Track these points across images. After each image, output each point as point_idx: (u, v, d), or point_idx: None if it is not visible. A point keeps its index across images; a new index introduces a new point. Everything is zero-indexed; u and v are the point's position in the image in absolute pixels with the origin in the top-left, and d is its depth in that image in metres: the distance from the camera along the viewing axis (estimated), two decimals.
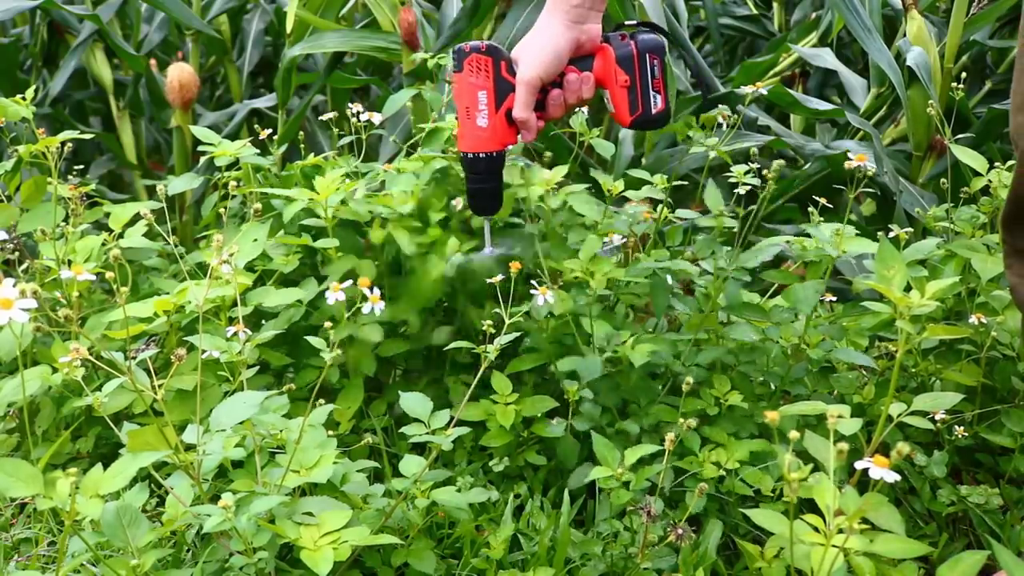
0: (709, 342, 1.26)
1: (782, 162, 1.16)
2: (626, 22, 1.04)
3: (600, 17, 1.00)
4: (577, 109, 1.14)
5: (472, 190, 1.04)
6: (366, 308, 0.99)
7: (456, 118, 1.04)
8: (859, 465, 0.73)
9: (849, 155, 1.14)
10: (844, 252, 1.14)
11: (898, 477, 0.72)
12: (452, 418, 0.97)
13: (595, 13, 0.99)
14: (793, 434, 0.72)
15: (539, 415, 1.17)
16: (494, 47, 0.99)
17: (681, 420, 1.06)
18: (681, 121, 1.29)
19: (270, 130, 1.58)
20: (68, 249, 1.30)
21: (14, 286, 0.71)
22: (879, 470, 0.72)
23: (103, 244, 1.32)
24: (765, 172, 1.18)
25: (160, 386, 0.84)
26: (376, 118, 1.42)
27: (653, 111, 1.00)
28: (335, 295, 0.98)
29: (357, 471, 1.00)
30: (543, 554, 1.01)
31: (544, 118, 1.02)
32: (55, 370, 1.15)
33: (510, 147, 1.03)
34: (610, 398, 1.19)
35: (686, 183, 1.90)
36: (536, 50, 0.97)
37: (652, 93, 1.00)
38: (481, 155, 1.01)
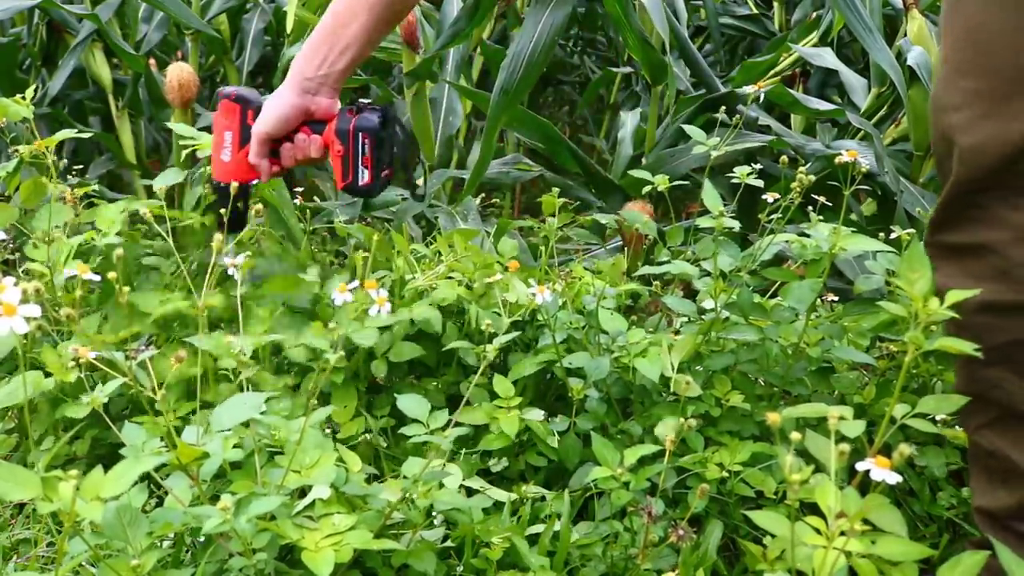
0: (711, 343, 1.26)
1: (809, 178, 1.17)
2: (361, 100, 1.15)
3: (335, 93, 1.14)
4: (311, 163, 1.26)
5: (217, 213, 1.19)
6: (372, 311, 0.99)
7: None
8: (860, 467, 0.73)
9: (842, 153, 1.14)
10: (842, 250, 1.14)
11: (900, 478, 0.72)
12: (450, 421, 0.97)
13: (327, 88, 1.13)
14: (795, 435, 0.72)
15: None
16: (243, 97, 1.15)
17: (682, 420, 1.06)
18: None
19: None
20: (59, 248, 1.30)
21: (15, 284, 0.70)
22: (881, 471, 0.71)
23: (91, 241, 1.31)
24: (793, 183, 1.18)
25: (162, 385, 0.84)
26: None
27: (360, 183, 1.13)
28: (342, 296, 0.99)
29: (356, 472, 1.00)
30: (543, 554, 1.01)
31: (278, 164, 1.17)
32: (48, 375, 1.15)
33: (253, 181, 1.20)
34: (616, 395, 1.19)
35: (687, 183, 1.90)
36: (269, 110, 1.13)
37: (360, 167, 1.12)
38: (222, 184, 1.17)
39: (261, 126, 1.13)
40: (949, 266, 0.92)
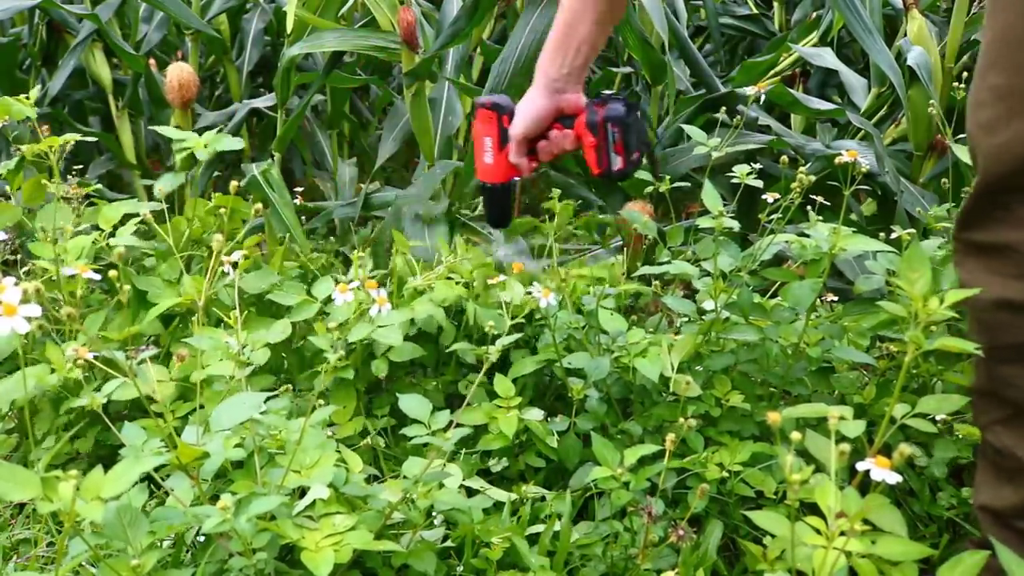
0: (711, 343, 1.26)
1: (809, 178, 1.18)
2: (604, 92, 1.22)
3: (580, 88, 1.21)
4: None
5: (487, 209, 1.31)
6: (373, 310, 0.99)
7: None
8: (861, 466, 0.73)
9: (842, 152, 1.14)
10: (842, 250, 1.14)
11: (900, 478, 0.72)
12: (451, 422, 0.97)
13: (571, 84, 1.19)
14: (795, 435, 0.72)
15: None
16: (498, 104, 1.23)
17: (682, 420, 1.06)
18: None
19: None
20: (59, 248, 1.30)
21: (16, 284, 0.70)
22: (881, 471, 0.71)
23: (93, 243, 1.31)
24: (794, 184, 1.20)
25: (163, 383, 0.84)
26: None
27: (614, 168, 1.19)
28: (343, 296, 0.98)
29: (357, 472, 1.00)
30: (543, 554, 1.01)
31: (536, 160, 1.25)
32: (52, 371, 1.15)
33: (515, 178, 1.28)
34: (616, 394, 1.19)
35: (687, 183, 1.90)
36: (523, 113, 1.21)
37: (612, 155, 1.18)
38: (487, 184, 1.27)
39: (519, 128, 1.20)
40: (973, 263, 0.93)
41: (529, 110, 1.20)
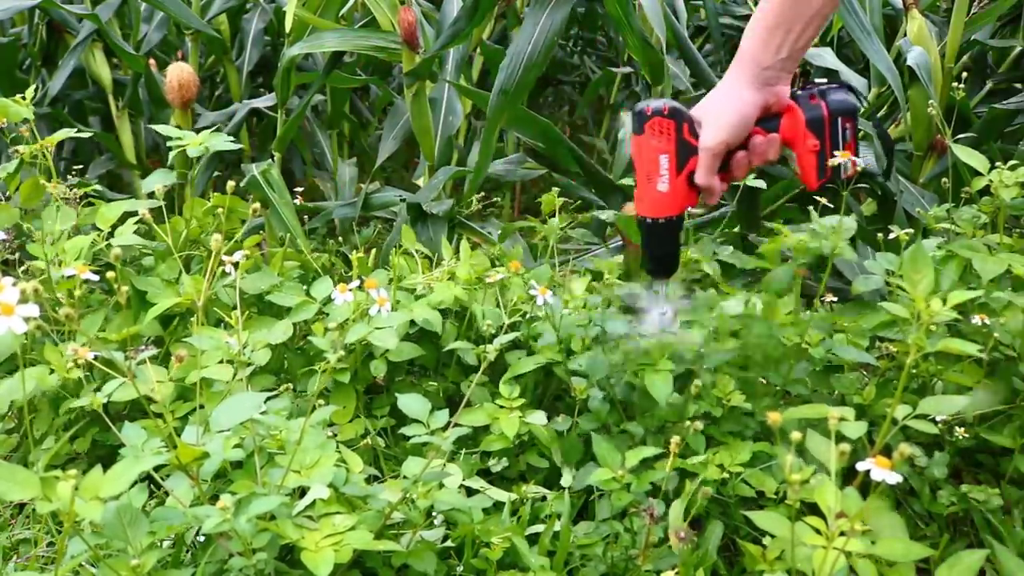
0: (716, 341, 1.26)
1: None
2: (816, 79, 1.01)
3: (790, 78, 0.96)
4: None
5: (651, 254, 1.02)
6: (373, 310, 0.99)
7: (634, 180, 1.01)
8: (861, 467, 0.73)
9: (835, 154, 1.14)
10: (839, 248, 1.14)
11: (900, 479, 0.72)
12: (450, 422, 0.97)
13: (785, 75, 0.95)
14: (796, 435, 0.72)
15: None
16: (677, 109, 0.95)
17: (688, 423, 1.06)
18: None
19: None
20: (58, 248, 1.30)
21: (14, 284, 0.70)
22: (881, 472, 0.71)
23: (92, 243, 1.31)
24: None
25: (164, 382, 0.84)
26: None
27: (842, 175, 0.96)
28: (343, 296, 0.98)
29: (357, 472, 1.00)
30: (543, 554, 1.01)
31: (727, 179, 0.98)
32: (52, 371, 1.15)
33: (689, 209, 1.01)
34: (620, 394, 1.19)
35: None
36: (722, 114, 0.94)
37: (839, 156, 0.97)
38: (660, 220, 0.98)
39: (716, 137, 0.94)
40: None
41: (733, 111, 0.94)
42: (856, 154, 0.96)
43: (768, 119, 0.97)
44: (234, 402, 0.89)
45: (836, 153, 0.96)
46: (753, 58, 0.94)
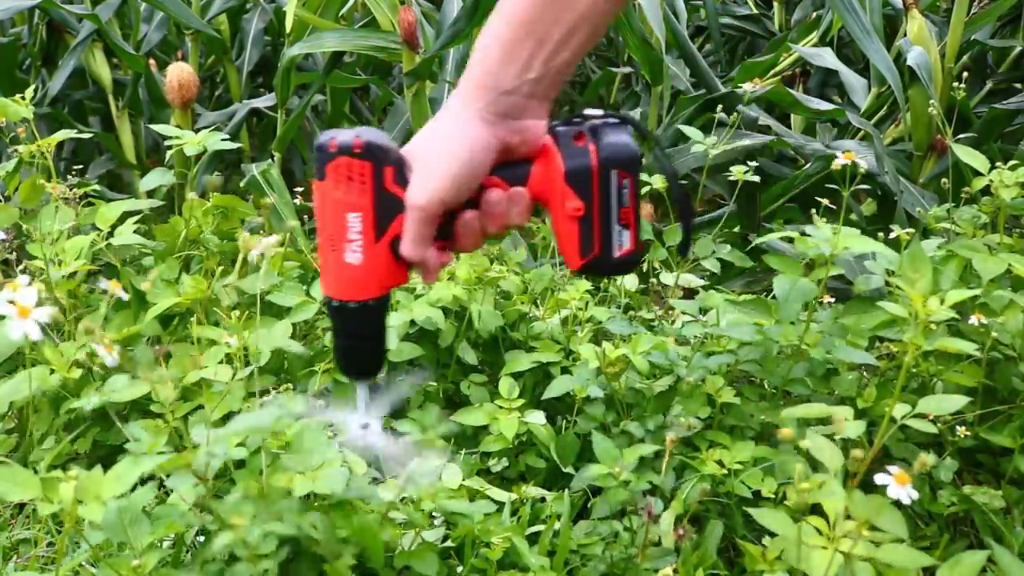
0: (711, 343, 1.26)
1: None
2: (587, 110, 0.69)
3: (546, 108, 0.68)
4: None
5: (341, 346, 0.73)
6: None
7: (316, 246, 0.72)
8: (879, 479, 0.73)
9: (837, 154, 1.14)
10: (843, 250, 1.14)
11: (917, 495, 0.72)
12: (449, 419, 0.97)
13: (536, 103, 0.67)
14: (802, 442, 0.72)
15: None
16: (375, 146, 0.66)
17: (683, 421, 1.06)
18: None
19: None
20: (58, 248, 1.30)
21: (29, 284, 0.70)
22: (899, 489, 0.71)
23: (92, 243, 1.32)
24: None
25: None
26: None
27: (615, 253, 0.68)
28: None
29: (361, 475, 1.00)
30: (543, 554, 1.01)
31: (450, 249, 0.70)
32: (53, 371, 1.15)
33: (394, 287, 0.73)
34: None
35: (686, 183, 1.90)
36: (440, 159, 0.66)
37: (616, 227, 0.68)
38: (351, 304, 0.69)
39: (427, 191, 0.66)
40: None
41: (456, 154, 0.66)
42: (634, 225, 0.68)
43: (512, 165, 0.68)
44: (247, 418, 0.88)
45: (616, 221, 0.67)
46: (487, 80, 0.66)
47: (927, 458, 0.69)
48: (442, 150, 0.67)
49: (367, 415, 0.76)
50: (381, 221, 0.67)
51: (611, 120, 0.68)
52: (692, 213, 0.77)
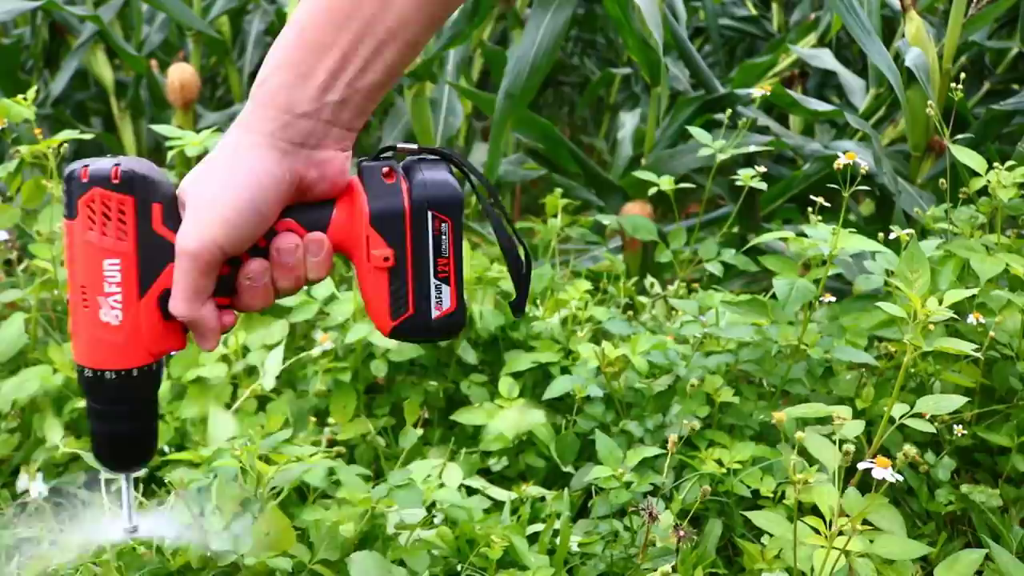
0: (710, 342, 1.26)
1: None
2: (399, 144, 0.61)
3: (350, 137, 0.58)
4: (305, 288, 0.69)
5: (96, 430, 0.60)
6: None
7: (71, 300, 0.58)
8: (862, 466, 0.74)
9: (840, 154, 1.14)
10: (840, 250, 1.14)
11: (900, 478, 0.73)
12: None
13: (338, 131, 0.57)
14: (798, 435, 0.72)
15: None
16: (138, 178, 0.55)
17: (685, 422, 1.07)
18: None
19: None
20: (60, 248, 1.30)
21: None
22: (882, 471, 0.72)
23: None
24: None
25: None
26: None
27: (433, 314, 0.59)
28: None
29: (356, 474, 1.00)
30: (543, 554, 1.02)
31: (235, 307, 0.59)
32: (56, 371, 1.15)
33: (170, 353, 0.60)
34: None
35: (687, 184, 1.91)
36: (219, 196, 0.55)
37: (434, 281, 0.59)
38: (108, 375, 0.57)
39: (209, 233, 0.55)
40: None
41: (233, 190, 0.55)
42: (455, 280, 0.59)
43: (309, 207, 0.59)
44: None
45: (432, 277, 0.58)
46: (278, 99, 0.56)
47: (910, 450, 0.70)
48: (222, 183, 0.55)
49: (132, 516, 0.63)
50: (146, 271, 0.56)
51: (428, 157, 0.60)
52: (528, 265, 0.63)
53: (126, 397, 0.59)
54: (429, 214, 0.57)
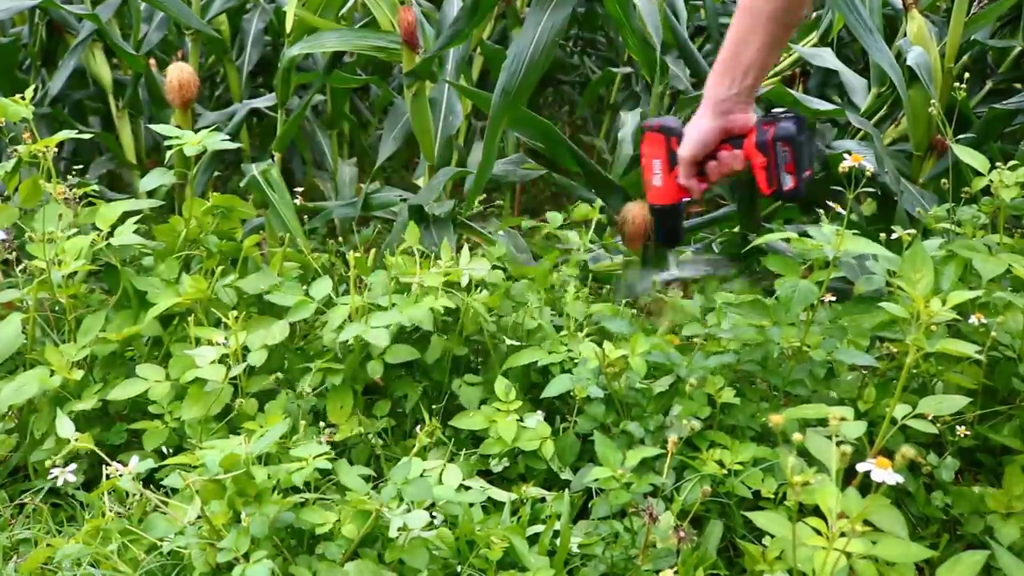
0: (711, 344, 1.26)
1: None
2: (775, 110, 1.20)
3: (749, 108, 1.19)
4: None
5: (656, 229, 1.33)
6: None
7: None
8: (861, 467, 0.73)
9: (845, 156, 1.14)
10: (843, 251, 1.13)
11: (901, 479, 0.72)
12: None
13: (740, 105, 1.19)
14: (796, 436, 0.72)
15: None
16: (665, 127, 1.26)
17: (685, 422, 1.06)
18: None
19: None
20: (58, 248, 1.30)
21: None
22: (881, 473, 0.71)
23: (92, 243, 1.31)
24: None
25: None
26: None
27: (784, 188, 1.16)
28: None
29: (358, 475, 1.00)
30: (543, 554, 1.01)
31: (705, 181, 1.24)
32: (53, 372, 1.15)
33: (684, 199, 1.28)
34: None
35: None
36: (690, 136, 1.21)
37: (783, 174, 1.16)
38: (656, 206, 1.29)
39: (686, 151, 1.21)
40: None
41: (696, 132, 1.20)
42: (796, 174, 1.15)
43: (736, 138, 1.19)
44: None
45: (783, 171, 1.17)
46: (712, 94, 1.19)
47: (909, 451, 0.69)
48: (691, 131, 1.21)
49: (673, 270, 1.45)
50: (671, 164, 1.24)
51: (788, 115, 1.17)
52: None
53: (668, 214, 1.29)
54: (779, 143, 1.15)
